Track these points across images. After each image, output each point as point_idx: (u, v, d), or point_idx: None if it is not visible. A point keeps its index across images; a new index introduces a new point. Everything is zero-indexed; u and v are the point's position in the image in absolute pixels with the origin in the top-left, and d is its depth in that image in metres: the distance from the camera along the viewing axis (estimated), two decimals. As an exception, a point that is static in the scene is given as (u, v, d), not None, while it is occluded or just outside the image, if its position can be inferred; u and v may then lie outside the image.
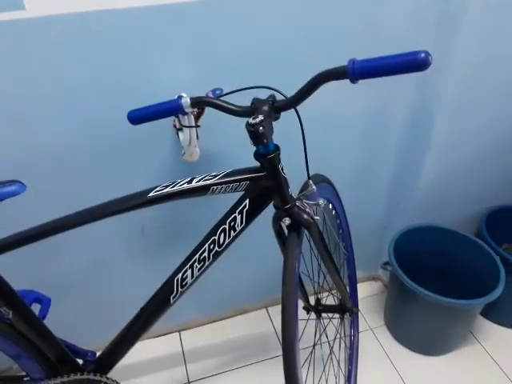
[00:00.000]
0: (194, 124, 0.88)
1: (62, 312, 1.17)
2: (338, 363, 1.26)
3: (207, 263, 0.87)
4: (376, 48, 0.92)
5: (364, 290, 1.65)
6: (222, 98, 0.83)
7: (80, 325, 1.28)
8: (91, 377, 0.92)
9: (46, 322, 0.90)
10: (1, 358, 0.96)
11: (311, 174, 0.89)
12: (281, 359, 1.27)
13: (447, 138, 1.24)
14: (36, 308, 0.94)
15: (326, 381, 1.18)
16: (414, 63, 0.61)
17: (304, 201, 0.89)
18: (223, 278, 1.45)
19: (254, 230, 1.11)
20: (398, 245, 1.36)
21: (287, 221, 0.85)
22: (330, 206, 1.20)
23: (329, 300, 1.21)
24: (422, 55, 0.60)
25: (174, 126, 0.94)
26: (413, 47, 1.10)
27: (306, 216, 0.86)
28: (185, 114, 0.85)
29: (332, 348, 1.22)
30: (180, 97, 0.83)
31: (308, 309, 1.15)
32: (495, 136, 1.28)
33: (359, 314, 1.54)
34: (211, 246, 0.85)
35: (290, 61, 1.02)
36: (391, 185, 1.40)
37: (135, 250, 1.23)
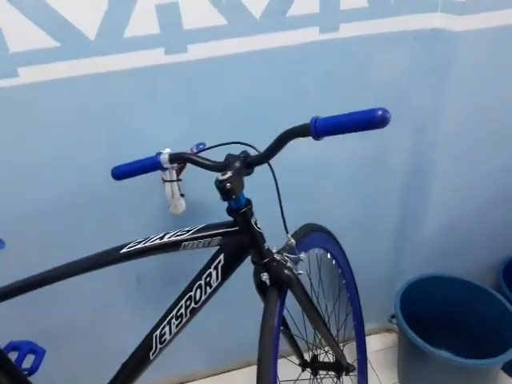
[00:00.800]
0: (175, 178, 0.90)
1: (57, 362, 1.17)
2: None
3: (185, 319, 0.85)
4: (366, 99, 0.92)
5: (377, 342, 1.56)
6: (199, 154, 0.85)
7: (76, 375, 1.28)
8: None
9: (40, 372, 0.91)
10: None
11: (305, 223, 0.87)
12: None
13: (449, 185, 1.19)
14: (30, 359, 0.96)
15: None
16: (372, 120, 0.61)
17: (285, 254, 0.86)
18: (228, 328, 1.41)
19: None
20: (406, 296, 1.29)
21: (265, 276, 0.82)
22: (329, 255, 1.16)
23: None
24: (379, 113, 0.60)
25: (162, 179, 0.96)
26: (404, 95, 1.10)
27: (286, 271, 0.83)
28: (164, 169, 0.87)
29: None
30: (159, 153, 0.85)
31: (303, 365, 1.09)
32: (501, 183, 1.21)
33: (371, 369, 1.45)
34: (188, 303, 0.84)
35: (274, 118, 1.03)
36: (395, 234, 1.34)
37: (131, 299, 1.24)
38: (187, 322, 0.86)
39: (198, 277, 0.83)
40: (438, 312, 1.37)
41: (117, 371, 0.91)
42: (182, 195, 0.95)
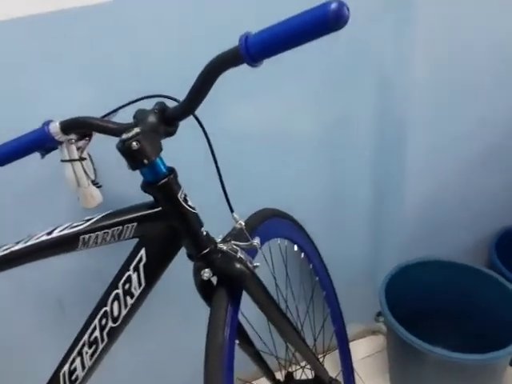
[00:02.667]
0: (76, 156, 0.67)
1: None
2: None
3: (101, 346, 0.61)
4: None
5: (363, 348, 1.35)
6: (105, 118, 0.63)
7: None
8: None
9: None
10: None
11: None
12: None
13: (425, 148, 1.01)
14: None
15: None
16: (324, 19, 0.41)
17: (233, 243, 0.65)
18: (193, 354, 1.17)
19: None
20: (391, 289, 1.09)
21: (206, 273, 0.60)
22: (295, 247, 0.95)
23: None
24: (333, 6, 0.40)
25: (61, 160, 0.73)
26: (360, 42, 0.92)
27: (236, 264, 0.61)
28: (57, 143, 0.64)
29: None
30: (47, 122, 0.63)
31: (275, 387, 0.86)
32: (480, 142, 1.05)
33: (359, 379, 1.24)
34: (103, 322, 0.60)
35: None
36: (372, 217, 1.15)
37: (57, 327, 0.98)
38: (106, 349, 0.62)
39: (114, 284, 0.60)
40: (429, 303, 1.18)
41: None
42: (95, 183, 0.72)
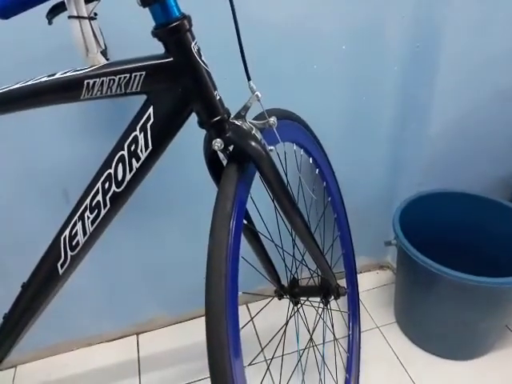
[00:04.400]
0: (85, 14, 0.61)
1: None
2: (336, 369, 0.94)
3: (104, 212, 0.59)
4: None
5: (370, 280, 1.33)
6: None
7: None
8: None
9: None
10: None
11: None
12: (259, 366, 0.97)
13: (462, 66, 0.93)
14: None
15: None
16: None
17: (248, 121, 0.60)
18: (190, 266, 1.16)
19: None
20: (406, 216, 1.05)
21: (218, 144, 0.56)
22: (302, 152, 0.88)
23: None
24: None
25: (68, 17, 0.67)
26: None
27: (251, 141, 0.57)
28: (65, -4, 0.59)
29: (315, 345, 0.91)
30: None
31: (280, 293, 0.84)
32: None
33: (364, 309, 1.22)
34: (106, 185, 0.57)
35: None
36: (394, 137, 1.09)
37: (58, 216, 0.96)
38: (108, 217, 0.59)
39: (119, 145, 0.56)
40: (444, 234, 1.14)
41: (15, 299, 0.65)
42: (104, 54, 0.68)
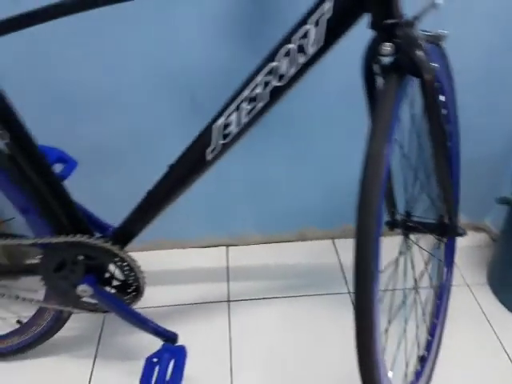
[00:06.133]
0: None
1: (87, 185, 0.99)
2: (423, 311, 0.95)
3: (261, 105, 0.60)
4: None
5: (464, 239, 1.28)
6: None
7: (104, 204, 1.11)
8: (101, 243, 0.73)
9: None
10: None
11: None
12: (342, 298, 0.98)
13: None
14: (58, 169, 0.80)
15: (404, 330, 0.89)
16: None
17: (418, 30, 0.58)
18: (287, 193, 1.19)
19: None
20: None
21: (387, 48, 0.55)
22: None
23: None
24: None
25: None
26: None
27: (420, 53, 0.55)
28: None
29: (417, 287, 0.92)
30: None
31: (392, 224, 0.85)
32: None
33: (456, 268, 1.20)
34: (268, 78, 0.59)
35: None
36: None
37: (183, 121, 1.01)
38: (264, 110, 0.61)
39: (287, 39, 0.57)
40: None
41: (161, 176, 0.71)
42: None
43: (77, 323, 0.95)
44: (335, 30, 0.55)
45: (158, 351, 0.77)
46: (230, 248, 1.28)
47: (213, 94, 0.97)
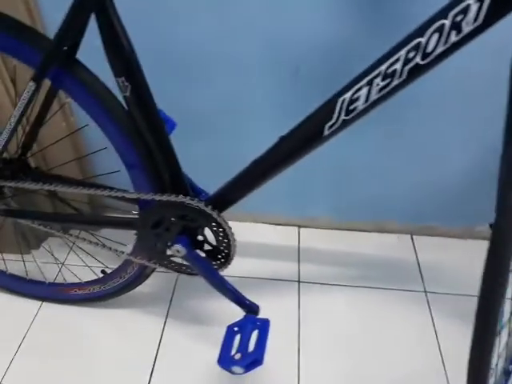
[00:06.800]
0: None
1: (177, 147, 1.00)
2: None
3: (395, 82, 0.57)
4: None
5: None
6: None
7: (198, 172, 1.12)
8: (202, 206, 0.73)
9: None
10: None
11: None
12: (417, 296, 0.94)
13: None
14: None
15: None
16: None
17: None
18: (370, 182, 1.15)
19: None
20: None
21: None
22: None
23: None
24: None
25: None
26: None
27: None
28: None
29: None
30: None
31: None
32: None
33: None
34: (410, 55, 0.55)
35: None
36: None
37: (284, 93, 0.99)
38: (396, 89, 0.57)
39: (442, 13, 0.52)
40: None
41: (270, 147, 0.69)
42: None
43: (151, 280, 0.97)
44: (499, 8, 0.50)
45: (241, 321, 0.77)
46: (302, 229, 1.27)
47: (317, 69, 0.95)
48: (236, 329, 0.77)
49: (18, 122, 0.71)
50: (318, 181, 1.17)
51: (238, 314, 0.80)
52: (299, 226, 1.27)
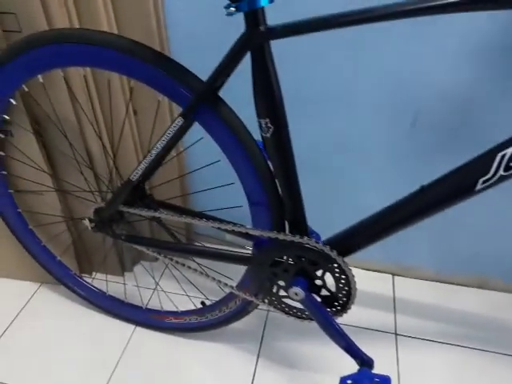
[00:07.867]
0: None
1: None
2: None
3: None
4: None
5: None
6: None
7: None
8: (328, 250, 0.71)
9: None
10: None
11: None
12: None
13: None
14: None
15: None
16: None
17: None
18: (476, 235, 1.09)
19: None
20: None
21: None
22: None
23: None
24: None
25: None
26: None
27: None
28: None
29: None
30: None
31: None
32: None
33: None
34: None
35: None
36: None
37: (397, 144, 0.98)
38: None
39: None
40: None
41: (407, 196, 0.67)
42: None
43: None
44: None
45: (355, 374, 0.73)
46: (396, 277, 1.21)
47: (436, 122, 0.93)
48: (349, 382, 0.73)
49: (161, 155, 0.74)
50: (417, 229, 1.12)
51: (326, 357, 0.75)
52: (393, 274, 1.22)
